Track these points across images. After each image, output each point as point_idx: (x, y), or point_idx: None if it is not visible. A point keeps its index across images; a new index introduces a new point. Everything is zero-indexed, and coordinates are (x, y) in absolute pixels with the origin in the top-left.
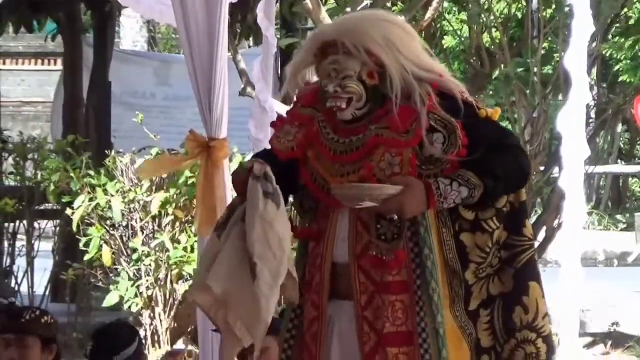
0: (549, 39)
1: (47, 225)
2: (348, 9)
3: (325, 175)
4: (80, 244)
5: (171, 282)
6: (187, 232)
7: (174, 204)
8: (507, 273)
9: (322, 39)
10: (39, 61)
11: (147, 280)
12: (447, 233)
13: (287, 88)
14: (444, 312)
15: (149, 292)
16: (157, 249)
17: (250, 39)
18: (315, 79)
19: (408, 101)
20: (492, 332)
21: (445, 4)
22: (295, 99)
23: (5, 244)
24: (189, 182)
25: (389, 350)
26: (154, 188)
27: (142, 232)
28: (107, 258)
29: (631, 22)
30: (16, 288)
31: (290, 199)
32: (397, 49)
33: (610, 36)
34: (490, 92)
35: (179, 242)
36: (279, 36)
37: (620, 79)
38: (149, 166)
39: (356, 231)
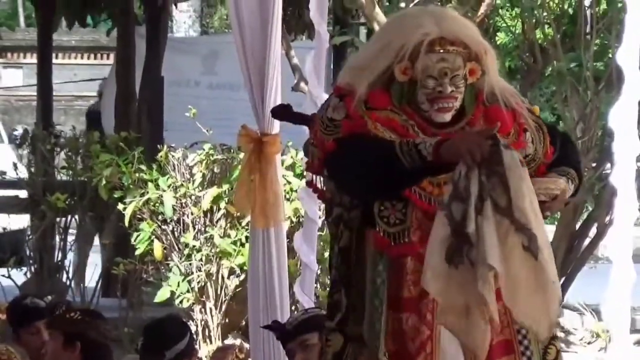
0: (602, 35)
1: None
2: (402, 4)
3: (425, 184)
4: (132, 239)
5: (222, 277)
6: (236, 227)
7: (226, 199)
8: None
9: (427, 37)
10: (92, 56)
11: (198, 275)
12: None
13: (363, 89)
14: None
15: (200, 287)
16: (208, 243)
17: (305, 34)
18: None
19: (497, 102)
20: None
21: (499, 0)
22: (348, 99)
23: (57, 238)
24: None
25: None
26: (205, 184)
27: (194, 228)
28: (158, 253)
29: None
30: (68, 283)
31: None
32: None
33: None
34: (543, 88)
35: (229, 237)
36: (332, 33)
37: None
38: (238, 201)
39: None
